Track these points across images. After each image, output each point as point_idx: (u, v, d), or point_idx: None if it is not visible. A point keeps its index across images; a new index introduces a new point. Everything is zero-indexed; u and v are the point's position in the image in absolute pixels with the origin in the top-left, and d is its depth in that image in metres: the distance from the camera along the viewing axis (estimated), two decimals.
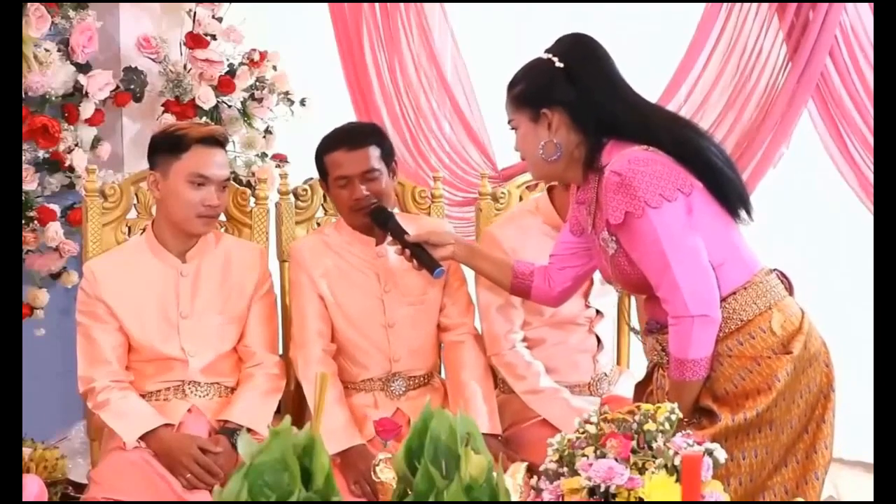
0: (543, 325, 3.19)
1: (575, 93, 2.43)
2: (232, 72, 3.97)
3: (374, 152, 3.03)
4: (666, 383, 2.46)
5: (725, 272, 2.39)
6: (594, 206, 2.47)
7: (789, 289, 2.50)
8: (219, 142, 2.99)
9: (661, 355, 2.49)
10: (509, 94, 2.54)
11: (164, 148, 2.96)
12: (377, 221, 2.96)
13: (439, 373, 3.30)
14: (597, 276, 3.19)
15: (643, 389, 2.60)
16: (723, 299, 2.38)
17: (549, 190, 3.21)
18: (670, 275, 2.34)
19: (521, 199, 3.51)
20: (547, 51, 2.50)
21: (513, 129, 2.55)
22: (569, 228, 2.73)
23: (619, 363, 3.48)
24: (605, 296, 3.29)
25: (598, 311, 3.22)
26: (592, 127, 2.43)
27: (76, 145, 3.73)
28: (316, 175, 3.42)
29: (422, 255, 2.84)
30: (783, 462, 2.38)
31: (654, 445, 1.92)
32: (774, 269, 2.50)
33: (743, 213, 2.44)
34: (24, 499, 2.38)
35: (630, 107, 2.44)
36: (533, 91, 2.47)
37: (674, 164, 2.36)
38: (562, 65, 2.44)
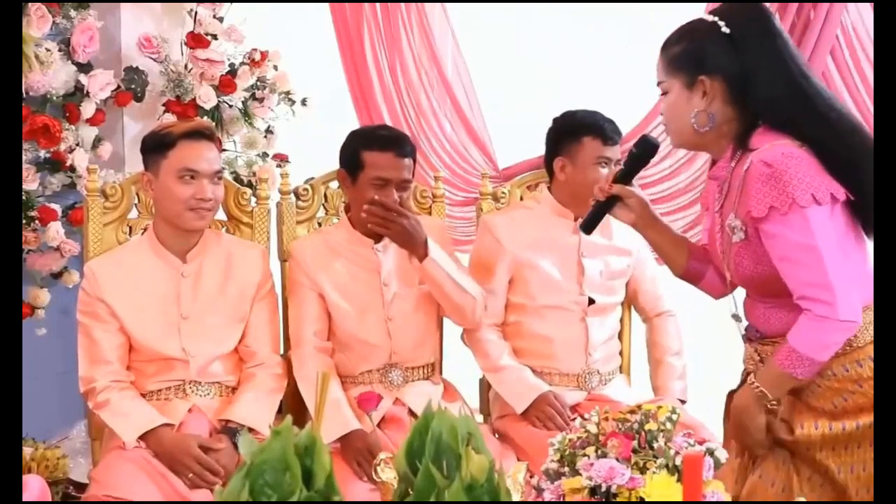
0: (532, 309, 3.28)
1: (738, 64, 2.23)
2: (233, 71, 3.97)
3: (411, 164, 3.09)
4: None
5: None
6: (727, 186, 2.32)
7: None
8: (205, 135, 2.98)
9: (757, 365, 2.37)
10: (663, 55, 2.33)
11: (152, 148, 2.97)
12: (645, 150, 2.52)
13: (441, 368, 3.32)
14: (596, 267, 3.25)
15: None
16: None
17: (550, 185, 3.34)
18: (822, 273, 2.18)
19: (521, 198, 3.53)
20: (712, 13, 2.31)
21: (663, 92, 2.36)
22: (703, 208, 2.53)
23: (624, 370, 3.50)
24: (610, 293, 3.31)
25: (591, 300, 3.26)
26: (750, 105, 2.25)
27: (77, 145, 3.73)
28: (316, 175, 3.44)
29: (605, 207, 2.50)
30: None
31: (656, 445, 1.92)
32: None
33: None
34: (27, 498, 2.38)
35: (795, 94, 2.24)
36: (693, 55, 2.27)
37: (824, 169, 2.21)
38: (728, 31, 2.24)
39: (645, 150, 2.50)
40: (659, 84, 2.37)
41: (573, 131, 3.23)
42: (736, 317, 2.45)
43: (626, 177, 2.48)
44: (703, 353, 3.98)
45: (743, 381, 2.42)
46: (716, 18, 2.28)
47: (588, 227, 2.53)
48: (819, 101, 2.27)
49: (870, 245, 2.35)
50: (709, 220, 2.47)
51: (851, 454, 2.32)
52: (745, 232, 2.28)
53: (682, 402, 3.32)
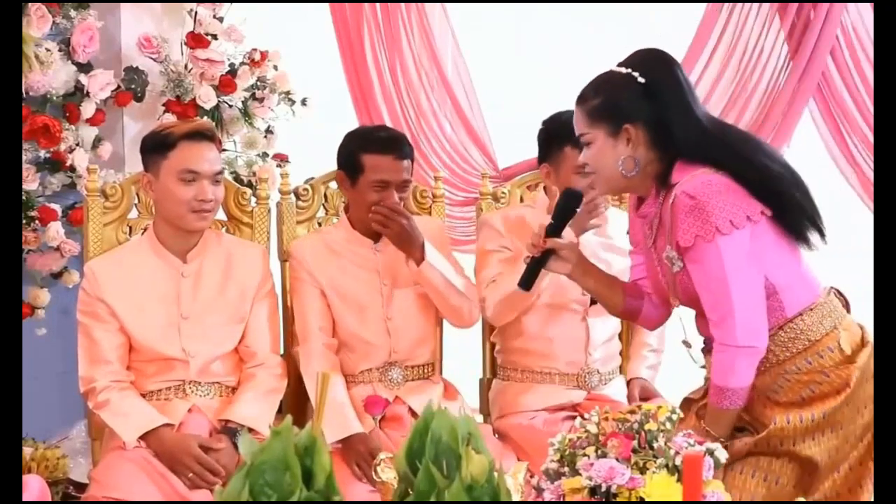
0: (535, 308, 3.25)
1: (655, 110, 2.38)
2: (233, 71, 3.97)
3: (410, 165, 3.11)
4: None
5: (792, 294, 2.39)
6: (657, 222, 2.44)
7: (846, 306, 2.49)
8: (206, 136, 2.97)
9: None
10: (582, 108, 2.45)
11: (153, 148, 2.97)
12: (570, 201, 2.62)
13: (440, 367, 3.32)
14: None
15: (693, 404, 2.54)
16: (790, 320, 2.39)
17: (546, 188, 3.32)
18: (727, 302, 2.33)
19: (521, 199, 3.53)
20: (621, 64, 2.44)
21: (586, 143, 2.46)
22: (633, 245, 2.64)
23: (623, 371, 3.49)
24: None
25: (592, 300, 3.25)
26: (669, 145, 2.38)
27: (77, 145, 3.73)
28: (316, 175, 3.44)
29: (540, 262, 2.57)
30: (836, 468, 2.39)
31: (656, 445, 1.92)
32: (832, 288, 2.49)
33: (815, 238, 2.42)
34: (27, 498, 2.38)
35: (703, 127, 2.40)
36: (614, 105, 2.40)
37: (742, 191, 2.34)
38: (643, 80, 2.38)
39: (570, 201, 2.60)
40: (581, 136, 2.47)
41: (556, 138, 3.17)
42: (686, 343, 2.56)
43: (556, 230, 2.56)
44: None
45: (705, 391, 2.50)
46: (630, 70, 2.42)
47: (526, 283, 2.59)
48: (725, 133, 2.46)
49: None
50: (642, 255, 2.59)
51: (828, 441, 2.38)
52: (682, 261, 2.40)
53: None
